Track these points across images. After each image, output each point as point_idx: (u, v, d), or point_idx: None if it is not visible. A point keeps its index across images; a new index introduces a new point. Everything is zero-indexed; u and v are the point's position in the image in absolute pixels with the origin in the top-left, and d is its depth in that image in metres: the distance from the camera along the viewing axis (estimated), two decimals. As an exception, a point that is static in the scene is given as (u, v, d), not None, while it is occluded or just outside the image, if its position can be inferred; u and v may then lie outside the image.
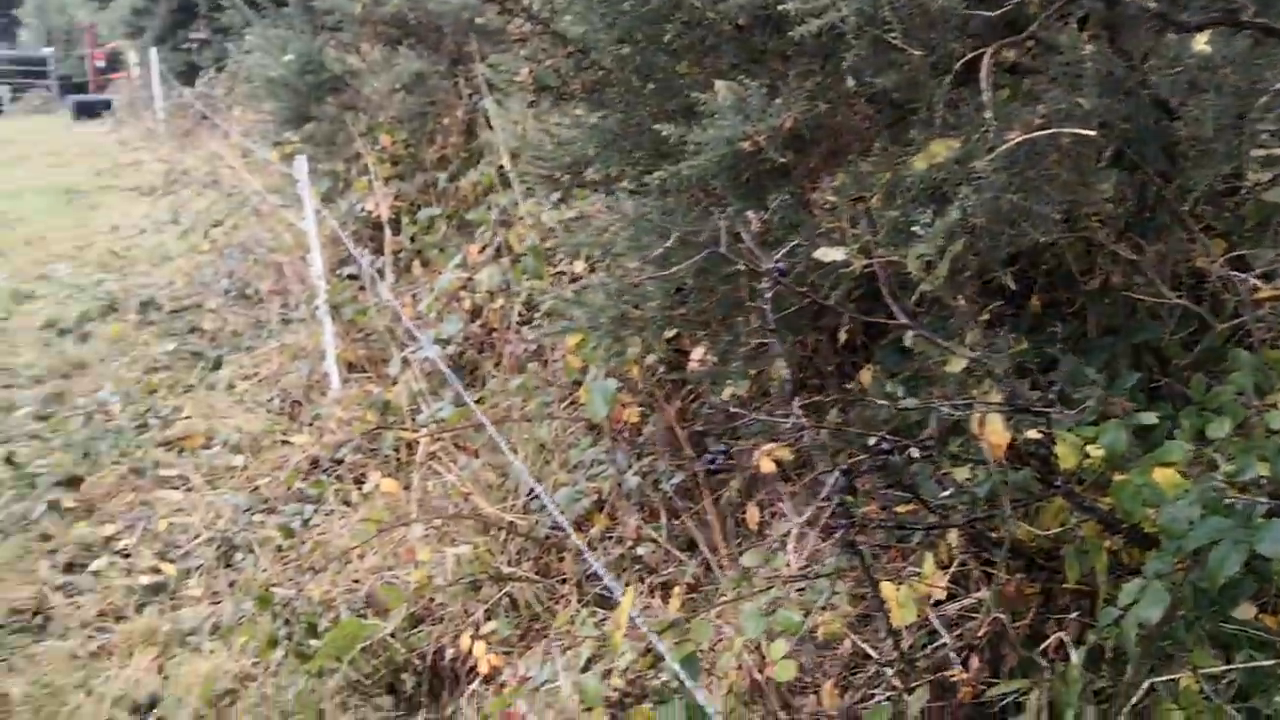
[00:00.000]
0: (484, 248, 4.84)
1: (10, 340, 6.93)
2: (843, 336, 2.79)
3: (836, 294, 2.19)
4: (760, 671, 2.42)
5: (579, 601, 3.26)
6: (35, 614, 4.00)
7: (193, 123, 13.01)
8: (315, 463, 4.81)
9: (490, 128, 5.23)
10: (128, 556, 4.34)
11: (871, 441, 1.98)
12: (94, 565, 4.29)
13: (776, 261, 1.76)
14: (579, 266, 3.89)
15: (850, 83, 2.32)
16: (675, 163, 2.34)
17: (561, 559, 3.47)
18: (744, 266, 1.87)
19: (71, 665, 3.66)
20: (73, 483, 4.90)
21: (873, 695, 2.41)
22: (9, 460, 5.06)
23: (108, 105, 17.64)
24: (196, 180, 10.66)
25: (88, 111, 17.78)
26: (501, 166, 4.89)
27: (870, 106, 2.43)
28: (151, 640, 3.74)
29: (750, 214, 2.00)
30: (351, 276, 6.06)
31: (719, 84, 2.32)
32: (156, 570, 4.20)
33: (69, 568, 4.31)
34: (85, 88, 19.70)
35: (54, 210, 10.76)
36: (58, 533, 4.52)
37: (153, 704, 3.45)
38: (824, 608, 2.43)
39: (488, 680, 3.19)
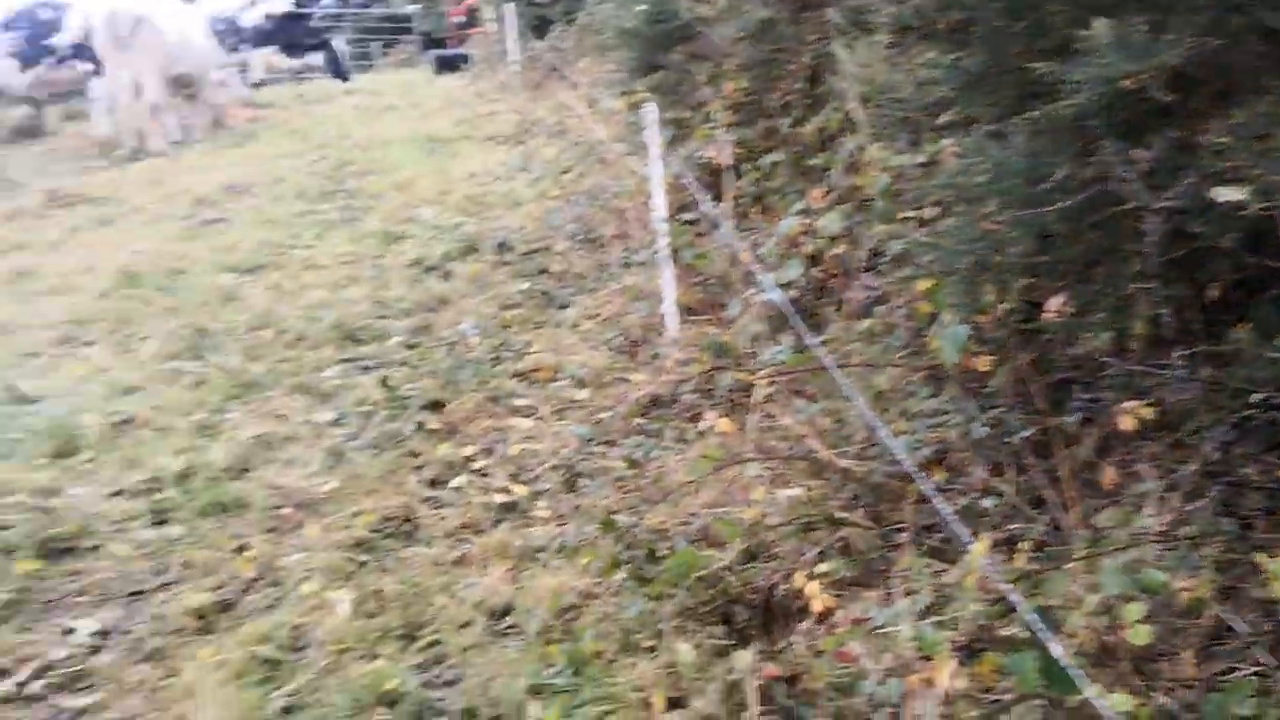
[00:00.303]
0: (827, 192, 4.83)
1: (384, 276, 7.60)
2: (1214, 293, 2.62)
3: (1227, 239, 2.06)
4: (1112, 634, 2.33)
5: (916, 550, 3.24)
6: (405, 521, 4.39)
7: (543, 75, 13.62)
8: (655, 400, 5.00)
9: (836, 73, 5.20)
10: (484, 476, 4.68)
11: (1256, 398, 1.85)
12: (455, 482, 4.65)
13: (1167, 200, 1.68)
14: (929, 212, 3.82)
15: (1243, 18, 2.17)
16: (1046, 103, 2.26)
17: (896, 507, 3.45)
18: (1124, 209, 1.79)
19: (435, 570, 4.00)
20: (437, 406, 5.33)
21: (1235, 669, 2.28)
22: (384, 383, 5.57)
23: (466, 59, 18.61)
24: (546, 130, 11.19)
25: (448, 65, 18.82)
26: (847, 111, 4.86)
27: (1266, 44, 2.26)
28: (505, 554, 4.03)
29: (1139, 152, 1.90)
30: (689, 222, 6.20)
31: (1098, 21, 2.21)
32: (509, 491, 4.51)
33: (433, 483, 4.69)
34: (445, 43, 20.89)
35: (419, 158, 11.55)
36: (424, 450, 4.93)
37: (506, 611, 3.72)
38: (1187, 573, 2.31)
39: (820, 620, 3.23)
